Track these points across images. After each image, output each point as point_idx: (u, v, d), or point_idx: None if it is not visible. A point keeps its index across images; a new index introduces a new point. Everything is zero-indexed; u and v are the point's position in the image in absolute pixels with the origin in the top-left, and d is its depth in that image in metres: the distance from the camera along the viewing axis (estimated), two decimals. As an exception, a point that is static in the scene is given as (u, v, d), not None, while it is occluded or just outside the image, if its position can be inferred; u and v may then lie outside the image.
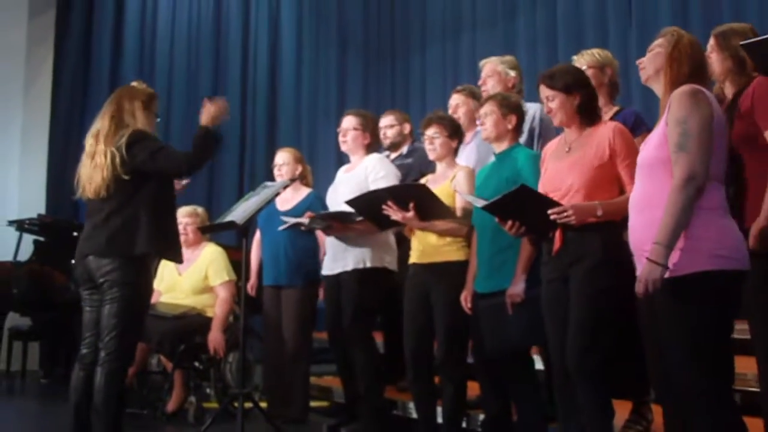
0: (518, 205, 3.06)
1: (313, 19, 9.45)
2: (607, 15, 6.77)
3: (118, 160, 3.37)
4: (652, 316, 2.59)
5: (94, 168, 3.42)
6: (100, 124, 3.49)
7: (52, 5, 8.48)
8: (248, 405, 4.39)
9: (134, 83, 3.64)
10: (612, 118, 3.53)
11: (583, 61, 3.72)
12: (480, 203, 3.20)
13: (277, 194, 3.83)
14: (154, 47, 8.87)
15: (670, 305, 2.45)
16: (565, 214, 2.93)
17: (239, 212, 3.83)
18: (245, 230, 3.86)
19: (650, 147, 2.58)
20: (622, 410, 3.60)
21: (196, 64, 8.96)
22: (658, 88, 2.69)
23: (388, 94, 9.25)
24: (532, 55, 7.35)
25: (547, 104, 3.17)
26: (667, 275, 2.41)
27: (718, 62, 2.97)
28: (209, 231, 4.75)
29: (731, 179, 2.90)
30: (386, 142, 5.02)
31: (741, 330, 3.12)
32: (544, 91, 3.19)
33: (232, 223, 3.87)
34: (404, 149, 5.02)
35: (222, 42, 9.11)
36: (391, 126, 5.00)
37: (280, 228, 4.63)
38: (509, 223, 3.13)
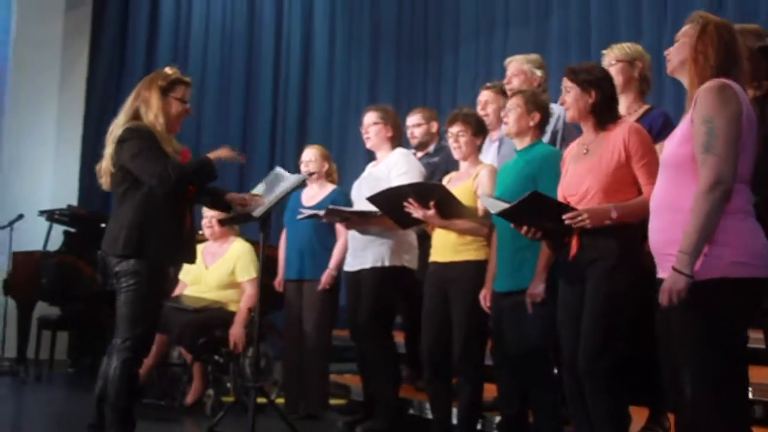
0: (533, 210, 3.01)
1: (346, 15, 9.43)
2: (641, 12, 6.64)
3: (112, 154, 3.40)
4: (667, 323, 2.51)
5: (105, 158, 3.46)
6: (120, 116, 3.51)
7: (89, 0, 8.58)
8: (263, 400, 4.38)
9: (166, 68, 3.59)
10: (640, 119, 3.45)
11: (612, 54, 3.63)
12: (495, 209, 3.15)
13: (294, 189, 3.80)
14: (188, 42, 8.92)
15: (684, 312, 2.36)
16: (580, 218, 2.88)
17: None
18: (264, 223, 3.84)
19: (673, 144, 2.47)
20: (639, 417, 3.55)
21: (230, 59, 8.99)
22: (685, 79, 2.54)
23: (419, 92, 9.19)
24: (564, 53, 7.25)
25: (563, 96, 3.11)
26: None
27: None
28: (228, 223, 4.75)
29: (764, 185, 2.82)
30: (414, 142, 4.99)
31: (757, 339, 3.06)
32: (564, 83, 3.13)
33: (249, 216, 3.86)
34: (431, 148, 4.98)
35: (255, 36, 9.14)
36: (419, 125, 4.96)
37: (297, 218, 4.63)
38: (525, 228, 3.10)
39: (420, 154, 4.96)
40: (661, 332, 2.59)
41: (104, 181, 3.52)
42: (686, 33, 2.54)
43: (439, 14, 9.18)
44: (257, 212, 3.77)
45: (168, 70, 3.56)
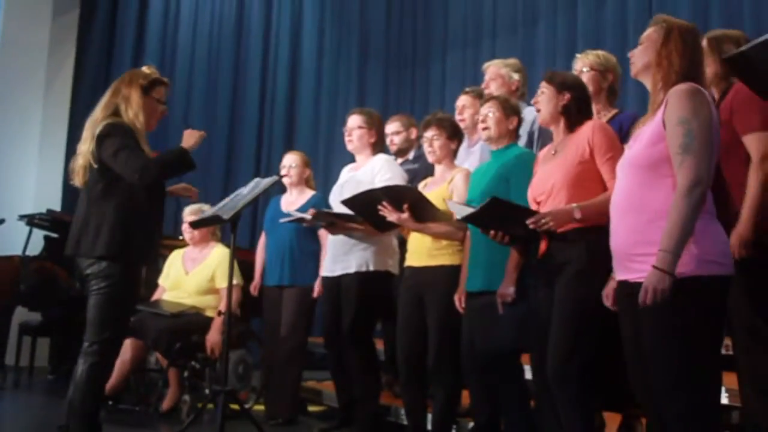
0: (496, 215, 3.01)
1: (334, 23, 9.44)
2: (627, 21, 6.65)
3: (92, 148, 3.35)
4: (635, 324, 2.48)
5: (78, 155, 3.41)
6: (97, 111, 3.46)
7: (77, 5, 8.55)
8: (235, 406, 4.33)
9: (144, 67, 3.58)
10: (609, 122, 3.44)
11: (586, 60, 3.62)
12: (460, 214, 3.14)
13: (263, 190, 3.77)
14: (175, 49, 8.89)
15: (656, 311, 2.33)
16: (543, 221, 2.86)
17: (227, 207, 3.78)
18: (234, 225, 3.80)
19: (642, 145, 2.45)
20: (612, 423, 3.51)
21: (217, 66, 8.96)
22: (648, 82, 2.57)
23: (407, 101, 9.20)
24: (551, 61, 7.25)
25: (537, 97, 3.10)
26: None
27: (707, 66, 2.87)
28: (199, 225, 4.73)
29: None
30: (393, 149, 4.97)
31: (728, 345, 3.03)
32: (541, 86, 3.15)
33: (218, 218, 3.82)
34: (410, 155, 4.96)
35: (243, 46, 9.11)
36: (398, 132, 4.94)
37: (282, 220, 4.62)
38: (492, 232, 3.09)
39: (400, 160, 4.94)
40: (627, 333, 2.56)
41: (78, 179, 3.47)
42: (650, 37, 2.55)
43: (427, 23, 9.20)
44: (226, 214, 3.74)
45: (146, 69, 3.55)
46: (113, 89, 3.48)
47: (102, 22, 8.55)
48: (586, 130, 3.01)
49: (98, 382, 3.35)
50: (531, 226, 2.87)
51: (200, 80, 8.91)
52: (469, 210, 3.08)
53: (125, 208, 3.37)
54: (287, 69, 9.16)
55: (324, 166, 8.55)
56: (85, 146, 3.41)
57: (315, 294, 4.71)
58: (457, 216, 3.23)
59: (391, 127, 4.96)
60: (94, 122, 3.41)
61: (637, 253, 2.39)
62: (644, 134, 2.46)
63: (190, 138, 3.58)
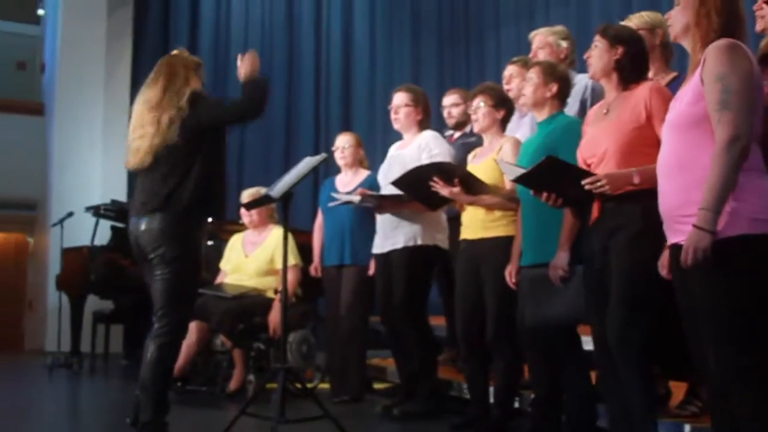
0: (550, 176, 2.93)
1: (386, 2, 9.41)
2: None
3: (176, 124, 3.37)
4: (687, 287, 2.42)
5: (142, 138, 3.43)
6: (152, 92, 3.46)
7: (130, 1, 8.73)
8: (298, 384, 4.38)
9: (175, 51, 3.63)
10: (667, 86, 3.34)
11: (631, 24, 3.52)
12: (512, 175, 3.09)
13: (312, 169, 3.79)
14: (229, 38, 9.02)
15: (704, 272, 2.26)
16: (599, 183, 2.79)
17: (277, 186, 3.82)
18: (286, 204, 3.83)
19: (683, 104, 2.38)
20: (678, 392, 3.46)
21: (270, 51, 9.04)
22: (687, 44, 2.49)
23: (463, 77, 9.11)
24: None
25: (590, 51, 3.02)
26: None
27: (760, 16, 2.76)
28: (252, 206, 4.78)
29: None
30: (451, 122, 4.95)
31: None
32: (594, 40, 3.05)
33: (269, 197, 3.87)
34: (468, 128, 4.92)
35: (295, 30, 9.18)
36: (456, 105, 4.91)
37: (330, 204, 4.63)
38: (545, 195, 3.02)
39: (457, 134, 4.91)
40: (682, 299, 2.50)
41: (143, 159, 3.44)
42: None
43: (480, -2, 9.09)
44: (276, 193, 3.77)
45: (183, 53, 3.61)
46: (167, 73, 3.48)
47: (156, 13, 8.72)
48: (643, 92, 2.90)
49: (167, 362, 3.42)
50: (586, 188, 2.81)
51: (255, 67, 8.99)
52: (520, 170, 3.03)
53: (209, 165, 3.45)
54: (340, 48, 9.20)
55: (382, 144, 8.49)
56: (153, 127, 3.41)
57: (370, 272, 4.72)
58: (509, 177, 3.18)
59: (450, 99, 4.93)
60: (157, 103, 3.41)
61: (686, 214, 2.32)
62: (685, 94, 2.40)
63: (247, 66, 3.56)
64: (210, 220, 3.78)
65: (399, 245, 4.29)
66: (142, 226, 3.41)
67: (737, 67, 2.27)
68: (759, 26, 2.77)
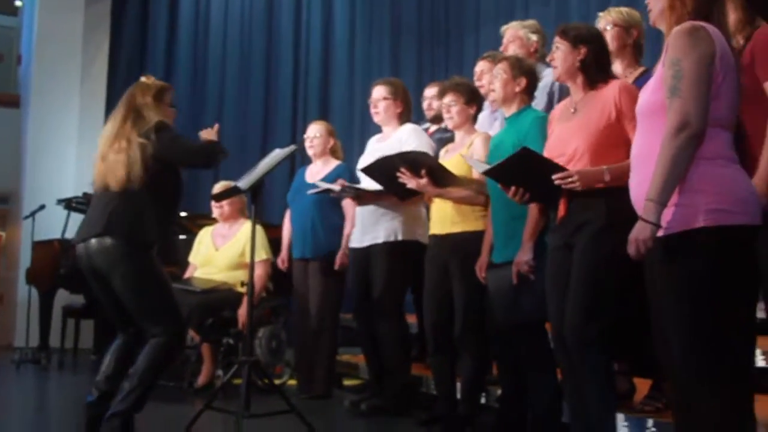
0: (521, 170, 2.91)
1: (366, 1, 9.38)
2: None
3: (147, 150, 3.36)
4: (653, 281, 2.39)
5: (103, 159, 3.43)
6: (110, 126, 3.49)
7: (109, -8, 8.67)
8: (272, 378, 4.35)
9: (143, 78, 3.64)
10: (635, 81, 3.34)
11: (609, 18, 3.52)
12: (481, 169, 3.06)
13: (282, 160, 3.76)
14: (208, 33, 8.97)
15: (662, 268, 2.22)
16: (570, 179, 2.77)
17: (245, 178, 3.78)
18: (255, 196, 3.80)
19: (647, 92, 2.34)
20: (643, 388, 3.45)
21: (249, 48, 9.01)
22: (665, 28, 2.41)
23: (442, 76, 9.03)
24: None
25: (552, 53, 3.01)
26: (659, 234, 2.17)
27: (730, 12, 2.74)
28: (221, 198, 4.75)
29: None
30: (429, 114, 4.95)
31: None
32: (555, 41, 3.05)
33: (237, 189, 3.83)
34: (445, 123, 4.91)
35: (274, 26, 9.14)
36: (437, 98, 4.89)
37: (310, 192, 4.61)
38: (513, 189, 2.99)
39: (434, 128, 4.89)
40: (650, 293, 2.47)
41: (102, 182, 3.45)
42: None
43: (459, -2, 9.09)
44: (244, 184, 3.74)
45: (147, 80, 3.61)
46: (127, 103, 3.52)
47: (134, 7, 8.67)
48: (612, 90, 2.90)
49: (164, 360, 3.38)
50: (557, 182, 2.80)
51: (233, 61, 8.97)
52: (486, 166, 3.01)
53: (162, 197, 3.44)
54: (320, 45, 9.18)
55: (359, 142, 8.50)
56: (118, 155, 3.39)
57: (336, 266, 4.68)
58: (478, 170, 3.16)
59: (431, 91, 4.94)
60: (123, 133, 3.42)
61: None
62: (650, 83, 2.36)
63: (208, 136, 3.65)
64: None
65: (380, 240, 4.26)
66: (94, 246, 3.36)
67: (691, 51, 2.18)
68: None
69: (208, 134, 3.65)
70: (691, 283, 2.18)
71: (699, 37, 2.21)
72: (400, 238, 4.27)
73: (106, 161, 3.43)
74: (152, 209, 3.39)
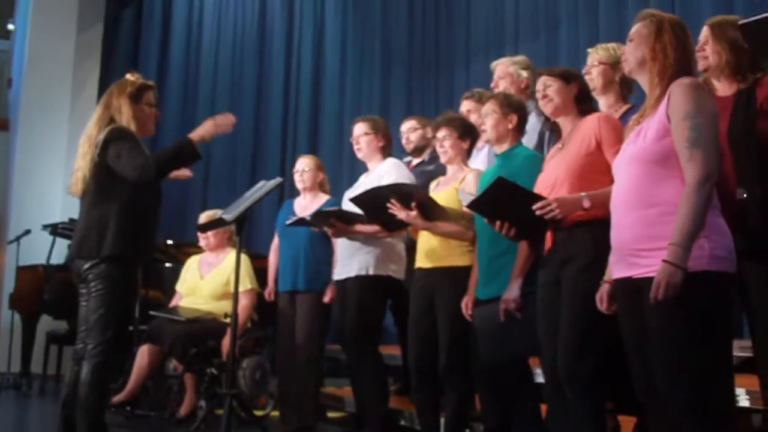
0: (503, 202, 2.92)
1: (357, 33, 9.46)
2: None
3: (92, 156, 3.38)
4: (639, 321, 2.41)
5: (77, 167, 3.46)
6: (90, 127, 3.51)
7: (101, 20, 8.70)
8: (253, 411, 4.31)
9: (128, 75, 3.62)
10: (621, 117, 3.37)
11: (596, 56, 3.55)
12: (466, 201, 3.07)
13: (267, 193, 3.76)
14: (199, 62, 9.00)
15: (666, 307, 2.26)
16: (549, 207, 2.78)
17: (231, 209, 3.78)
18: (239, 227, 3.80)
19: (647, 140, 2.40)
20: (627, 426, 3.43)
21: (240, 78, 9.04)
22: (642, 79, 2.53)
23: (431, 108, 9.13)
24: (573, 64, 7.11)
25: (543, 92, 3.05)
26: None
27: (714, 54, 2.81)
28: (206, 229, 4.74)
29: (757, 180, 2.73)
30: (409, 147, 4.96)
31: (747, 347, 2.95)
32: (542, 81, 3.10)
33: (222, 220, 3.83)
34: (426, 155, 4.93)
35: (266, 57, 9.19)
36: (414, 129, 4.93)
37: (285, 223, 4.60)
38: (498, 223, 3.00)
39: (415, 161, 4.90)
40: (631, 332, 2.49)
41: (76, 188, 3.50)
42: (639, 32, 2.51)
43: (450, 30, 9.15)
44: (230, 216, 3.74)
45: (131, 77, 3.60)
46: (104, 104, 3.54)
47: (126, 34, 8.73)
48: (591, 122, 2.95)
49: (105, 382, 3.39)
50: (537, 212, 2.80)
51: (224, 91, 8.99)
52: (472, 197, 3.03)
53: (127, 209, 3.41)
54: (310, 77, 9.21)
55: (348, 171, 8.54)
56: (85, 160, 3.45)
57: (326, 299, 4.67)
58: (464, 203, 3.17)
59: (408, 124, 4.95)
60: (90, 137, 3.46)
61: (645, 248, 2.33)
62: (649, 129, 2.42)
63: (207, 126, 3.59)
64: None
65: (352, 273, 4.27)
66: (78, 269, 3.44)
67: (705, 107, 2.32)
68: (701, 66, 2.82)
69: (209, 124, 3.59)
70: (691, 322, 2.26)
71: (705, 93, 2.37)
72: (371, 272, 4.27)
73: (79, 162, 3.47)
74: (119, 222, 3.37)
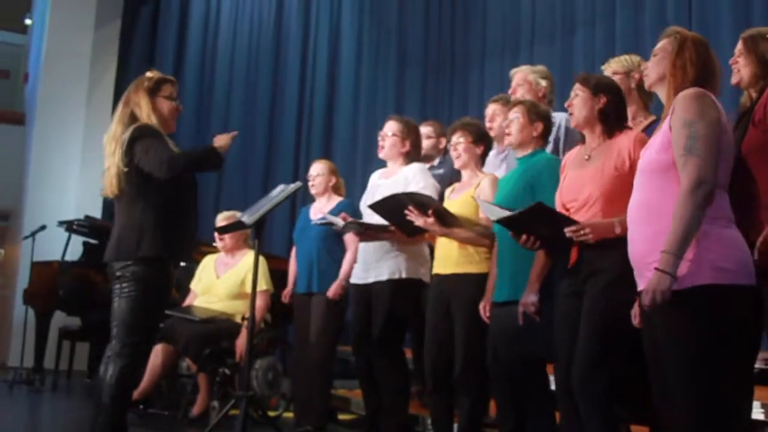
0: (534, 221, 2.94)
1: (373, 33, 9.47)
2: (666, 27, 6.52)
3: (120, 156, 3.35)
4: (653, 334, 2.41)
5: (108, 168, 3.42)
6: (113, 126, 3.47)
7: (119, 15, 8.72)
8: (267, 412, 4.32)
9: (148, 73, 3.60)
10: (645, 129, 3.35)
11: (610, 68, 3.57)
12: (494, 216, 3.07)
13: (286, 197, 3.77)
14: (215, 59, 9.01)
15: (668, 320, 2.28)
16: (582, 232, 2.79)
17: (250, 212, 3.79)
18: (258, 231, 3.81)
19: (652, 151, 2.42)
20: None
21: (256, 75, 9.05)
22: (662, 93, 2.55)
23: (445, 110, 9.16)
24: (590, 69, 7.09)
25: (571, 99, 3.03)
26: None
27: (745, 67, 2.79)
28: (225, 231, 4.75)
29: (737, 190, 2.72)
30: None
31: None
32: (575, 88, 3.07)
33: (241, 223, 3.84)
34: (435, 161, 4.94)
35: (281, 55, 9.20)
36: (428, 137, 4.91)
37: (314, 221, 4.61)
38: (524, 237, 3.01)
39: (426, 166, 4.90)
40: (648, 345, 2.49)
41: (111, 189, 3.44)
42: (664, 48, 2.53)
43: (466, 31, 9.15)
44: (249, 219, 3.75)
45: (149, 73, 3.57)
46: (124, 101, 3.51)
47: (143, 31, 8.74)
48: (626, 141, 2.92)
49: (129, 385, 3.36)
50: (569, 235, 2.81)
51: (239, 88, 9.00)
52: (504, 212, 3.02)
53: (161, 209, 3.38)
54: (325, 76, 9.21)
55: (362, 172, 8.54)
56: (114, 158, 3.40)
57: (330, 294, 4.68)
58: (491, 217, 3.17)
59: (423, 130, 4.92)
60: (115, 136, 3.42)
61: (652, 260, 2.32)
62: (655, 141, 2.44)
63: (220, 140, 3.59)
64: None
65: (383, 277, 4.24)
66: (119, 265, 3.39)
67: (705, 115, 2.31)
68: (734, 79, 2.81)
69: (221, 140, 3.58)
70: (696, 338, 2.25)
71: (707, 102, 2.35)
72: (404, 276, 4.25)
73: (109, 162, 3.42)
74: (156, 222, 3.35)
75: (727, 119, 2.40)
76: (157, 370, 4.96)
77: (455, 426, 3.86)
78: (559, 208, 3.04)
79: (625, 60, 3.52)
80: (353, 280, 4.51)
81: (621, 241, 2.73)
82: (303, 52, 9.23)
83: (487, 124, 4.20)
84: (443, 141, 4.90)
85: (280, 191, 3.79)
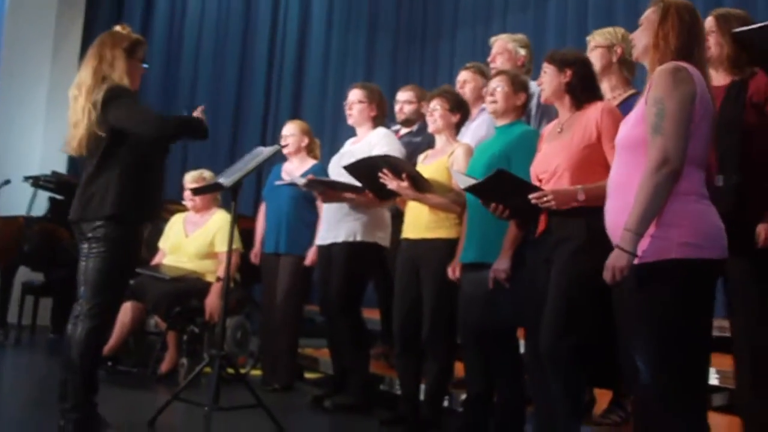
0: (500, 188, 3.01)
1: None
2: (639, -3, 6.59)
3: (94, 116, 3.25)
4: (621, 305, 2.50)
5: (75, 124, 3.31)
6: (83, 74, 3.33)
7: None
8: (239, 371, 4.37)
9: (118, 27, 3.47)
10: (622, 103, 3.42)
11: (593, 41, 3.63)
12: (464, 184, 3.15)
13: (266, 160, 3.79)
14: (184, 16, 8.90)
15: (635, 294, 2.33)
16: (545, 198, 2.86)
17: (228, 174, 3.81)
18: (235, 193, 3.82)
19: (627, 126, 2.45)
20: (603, 400, 3.55)
21: (225, 37, 8.96)
22: (648, 64, 2.53)
23: (416, 77, 9.12)
24: (561, 39, 7.20)
25: (540, 78, 3.11)
26: (634, 262, 2.28)
27: (716, 45, 2.85)
28: (200, 193, 4.76)
29: (736, 168, 2.79)
30: (400, 117, 4.99)
31: (724, 327, 3.06)
32: (543, 66, 3.16)
33: (219, 185, 3.85)
34: (415, 127, 4.97)
35: (251, 18, 9.10)
36: (410, 102, 4.95)
37: (276, 182, 4.64)
38: (493, 205, 3.09)
39: (403, 131, 4.95)
40: (617, 314, 2.58)
41: (79, 149, 3.34)
42: (648, 17, 2.50)
43: (438, 0, 9.13)
44: (227, 182, 3.76)
45: (122, 29, 3.44)
46: (97, 54, 3.35)
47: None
48: (594, 112, 2.99)
49: (97, 344, 3.33)
50: (533, 202, 2.88)
51: (208, 49, 8.92)
52: (473, 180, 3.09)
53: (131, 169, 3.32)
54: (295, 39, 9.15)
55: (331, 138, 8.53)
56: (84, 118, 3.29)
57: (307, 262, 4.74)
58: (460, 185, 3.24)
59: (404, 95, 4.96)
60: (87, 89, 3.29)
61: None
62: (631, 116, 2.46)
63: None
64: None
65: (340, 239, 4.32)
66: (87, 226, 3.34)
67: (675, 91, 2.29)
68: None
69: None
70: (661, 310, 2.29)
71: (681, 77, 2.32)
72: (359, 238, 4.33)
73: (76, 118, 3.30)
74: (123, 183, 3.28)
75: (706, 92, 2.36)
76: (125, 327, 4.98)
77: (422, 387, 3.95)
78: (533, 179, 3.10)
79: (608, 33, 3.58)
80: (318, 242, 4.58)
81: (586, 210, 2.83)
82: (273, 14, 9.14)
83: (458, 90, 4.25)
84: (424, 105, 4.94)
85: (257, 153, 3.80)
